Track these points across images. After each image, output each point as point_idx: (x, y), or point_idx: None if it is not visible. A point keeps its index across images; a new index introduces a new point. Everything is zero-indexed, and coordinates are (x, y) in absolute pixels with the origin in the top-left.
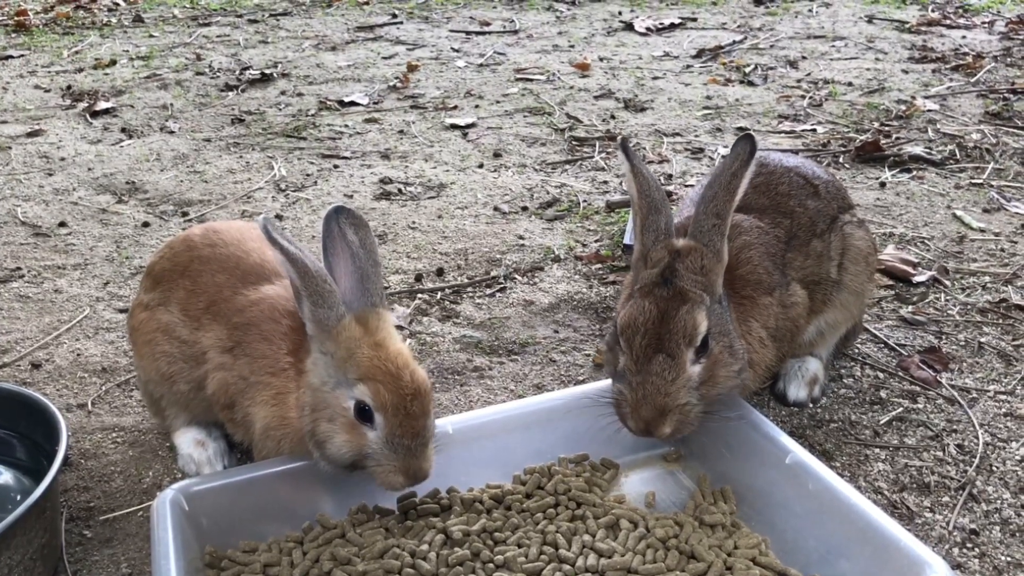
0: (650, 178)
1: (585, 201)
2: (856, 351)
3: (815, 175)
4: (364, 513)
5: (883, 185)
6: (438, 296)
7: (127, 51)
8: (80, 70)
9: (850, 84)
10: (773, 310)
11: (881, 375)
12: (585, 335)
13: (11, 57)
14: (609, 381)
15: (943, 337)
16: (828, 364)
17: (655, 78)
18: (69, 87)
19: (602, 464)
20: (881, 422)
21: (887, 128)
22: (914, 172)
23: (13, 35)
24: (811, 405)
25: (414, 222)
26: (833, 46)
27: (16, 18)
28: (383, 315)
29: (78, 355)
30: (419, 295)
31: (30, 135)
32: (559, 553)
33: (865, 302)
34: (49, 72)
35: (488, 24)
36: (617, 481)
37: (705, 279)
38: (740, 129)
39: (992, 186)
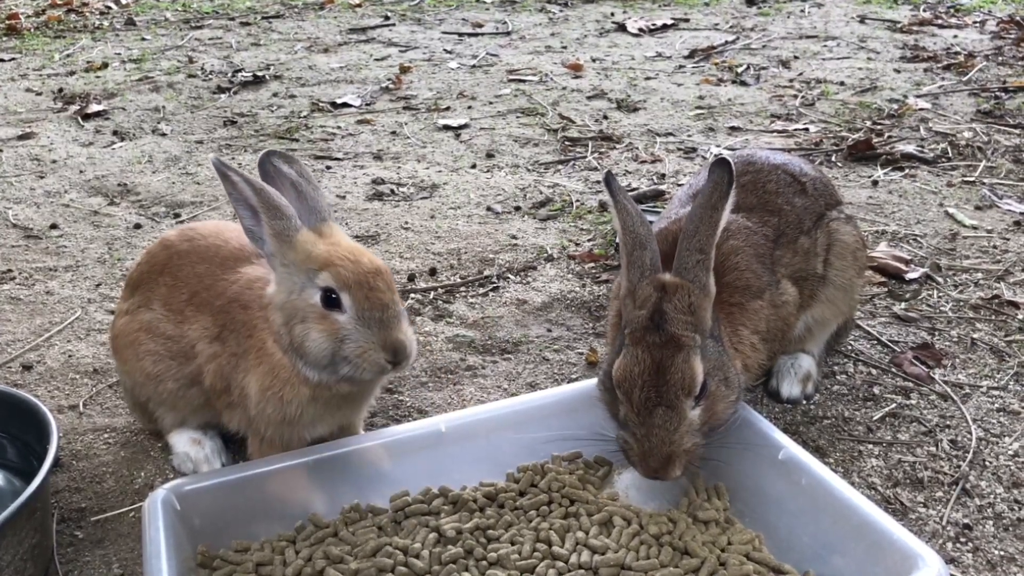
0: (634, 212)
1: (578, 201)
2: (849, 348)
3: (802, 172)
4: (356, 512)
5: (875, 183)
6: (431, 296)
7: (119, 54)
8: (72, 73)
9: (842, 83)
10: (764, 313)
11: (874, 371)
12: (578, 334)
13: (2, 60)
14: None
15: (936, 333)
16: (821, 361)
17: (648, 78)
18: (61, 90)
19: (595, 462)
20: (874, 418)
21: (879, 127)
22: (906, 170)
23: (4, 39)
24: (804, 402)
25: (407, 222)
26: (825, 46)
27: (7, 22)
28: (333, 226)
29: (69, 356)
30: (412, 295)
31: (21, 138)
32: (552, 550)
33: (854, 298)
34: (40, 75)
35: (481, 26)
36: (610, 479)
37: (694, 318)
38: (733, 129)
39: (984, 184)
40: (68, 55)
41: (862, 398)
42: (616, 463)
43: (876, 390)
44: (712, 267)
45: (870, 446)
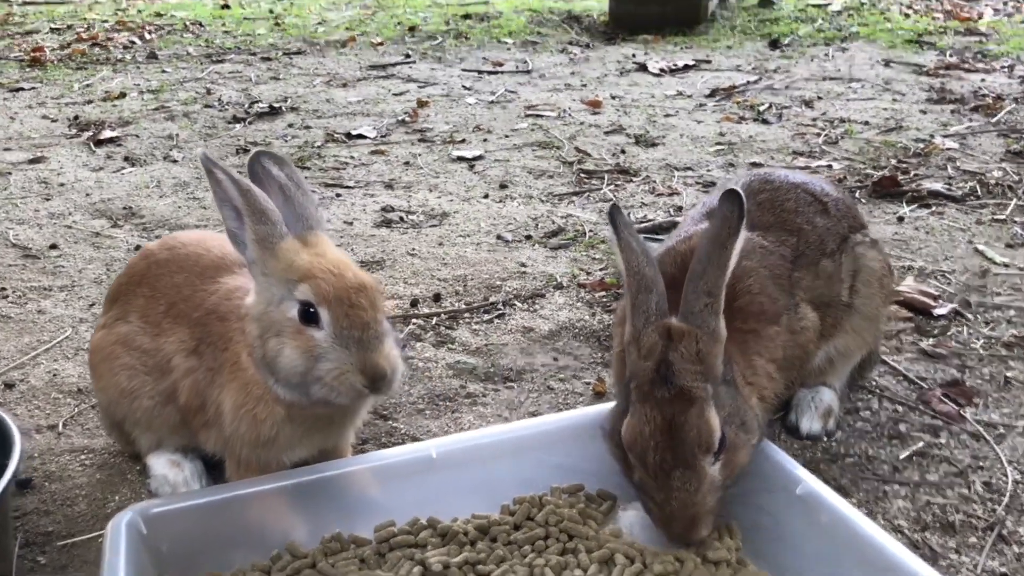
0: (639, 251)
1: (591, 231)
2: (873, 383)
3: (824, 192)
4: (338, 542)
5: (901, 220)
6: (433, 321)
7: (138, 85)
8: (89, 102)
9: (866, 123)
10: (780, 340)
11: (900, 408)
12: (586, 363)
13: (22, 89)
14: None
15: (966, 371)
16: (843, 395)
17: (667, 115)
18: (76, 117)
19: (598, 495)
20: (901, 457)
21: (905, 165)
22: (933, 207)
23: (27, 70)
24: (825, 439)
25: (414, 249)
26: (849, 87)
27: (32, 54)
28: (321, 235)
29: (54, 375)
30: (414, 320)
31: (31, 161)
32: None
33: (880, 328)
34: (58, 103)
35: (501, 65)
36: (614, 514)
37: (704, 366)
38: (754, 164)
39: (1016, 222)
40: (87, 85)
41: (887, 436)
42: (621, 498)
43: (903, 428)
44: (721, 310)
45: (896, 486)
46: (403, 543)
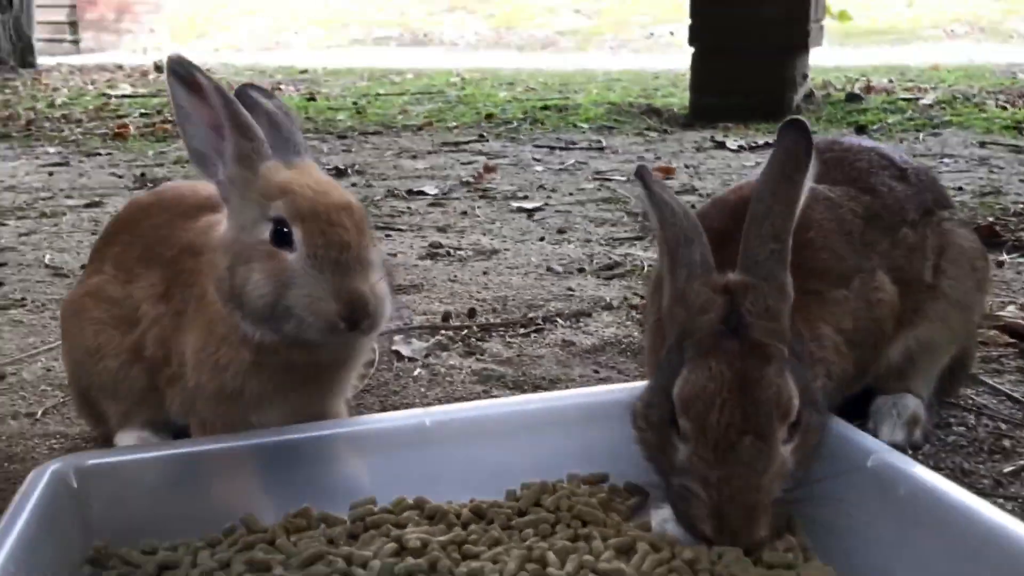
0: (676, 206)
1: (651, 264)
2: (969, 401)
3: (903, 159)
4: (305, 518)
5: (1001, 264)
6: (463, 332)
7: None
8: (160, 164)
9: (960, 188)
10: (849, 307)
11: (1004, 425)
12: (630, 377)
13: (99, 154)
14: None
15: None
16: (931, 406)
17: (743, 177)
18: (143, 174)
19: (625, 489)
20: (1004, 471)
21: (1004, 221)
22: None
23: (110, 142)
24: (910, 452)
25: (455, 276)
26: (942, 162)
27: (117, 129)
28: (308, 162)
29: (48, 371)
30: (443, 332)
31: (88, 206)
32: (547, 571)
33: (973, 321)
34: (129, 165)
35: (574, 143)
36: (644, 512)
37: (777, 324)
38: None
39: None
40: (162, 152)
41: (988, 451)
42: (654, 497)
43: (1006, 443)
44: (789, 260)
45: (1000, 500)
46: (381, 522)
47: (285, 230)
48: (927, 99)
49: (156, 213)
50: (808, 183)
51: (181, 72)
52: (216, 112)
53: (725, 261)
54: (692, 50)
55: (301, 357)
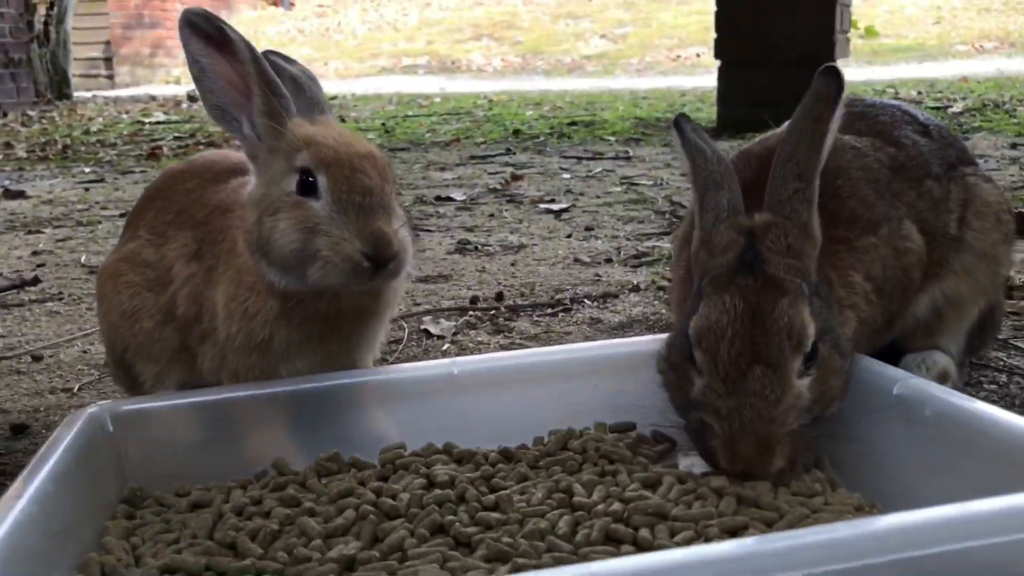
0: (710, 153)
1: None
2: (1001, 363)
3: (925, 117)
4: (335, 462)
5: None
6: (491, 313)
7: None
8: None
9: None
10: (878, 254)
11: None
12: None
13: (132, 172)
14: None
15: None
16: (961, 363)
17: None
18: None
19: (653, 437)
20: None
21: None
22: None
23: (144, 161)
24: None
25: (484, 267)
26: None
27: (151, 151)
28: (332, 119)
29: (84, 353)
30: (471, 312)
31: (123, 215)
32: (573, 500)
33: (1000, 273)
34: None
35: (601, 153)
36: (671, 458)
37: (798, 262)
38: None
39: None
40: None
41: (1019, 405)
42: (681, 443)
43: None
44: (815, 201)
45: None
46: (410, 463)
47: (311, 179)
48: (956, 107)
49: (188, 179)
50: (835, 125)
51: (201, 25)
52: (244, 68)
53: (750, 210)
54: (718, 63)
55: (328, 306)
